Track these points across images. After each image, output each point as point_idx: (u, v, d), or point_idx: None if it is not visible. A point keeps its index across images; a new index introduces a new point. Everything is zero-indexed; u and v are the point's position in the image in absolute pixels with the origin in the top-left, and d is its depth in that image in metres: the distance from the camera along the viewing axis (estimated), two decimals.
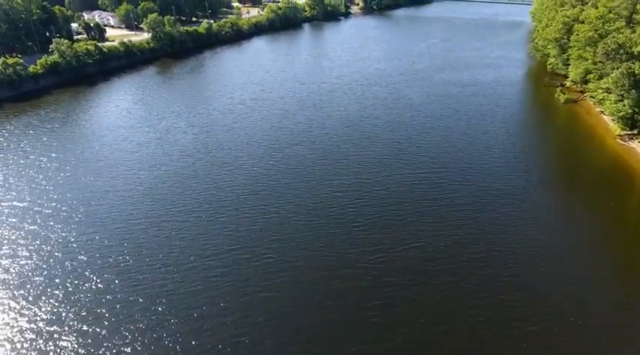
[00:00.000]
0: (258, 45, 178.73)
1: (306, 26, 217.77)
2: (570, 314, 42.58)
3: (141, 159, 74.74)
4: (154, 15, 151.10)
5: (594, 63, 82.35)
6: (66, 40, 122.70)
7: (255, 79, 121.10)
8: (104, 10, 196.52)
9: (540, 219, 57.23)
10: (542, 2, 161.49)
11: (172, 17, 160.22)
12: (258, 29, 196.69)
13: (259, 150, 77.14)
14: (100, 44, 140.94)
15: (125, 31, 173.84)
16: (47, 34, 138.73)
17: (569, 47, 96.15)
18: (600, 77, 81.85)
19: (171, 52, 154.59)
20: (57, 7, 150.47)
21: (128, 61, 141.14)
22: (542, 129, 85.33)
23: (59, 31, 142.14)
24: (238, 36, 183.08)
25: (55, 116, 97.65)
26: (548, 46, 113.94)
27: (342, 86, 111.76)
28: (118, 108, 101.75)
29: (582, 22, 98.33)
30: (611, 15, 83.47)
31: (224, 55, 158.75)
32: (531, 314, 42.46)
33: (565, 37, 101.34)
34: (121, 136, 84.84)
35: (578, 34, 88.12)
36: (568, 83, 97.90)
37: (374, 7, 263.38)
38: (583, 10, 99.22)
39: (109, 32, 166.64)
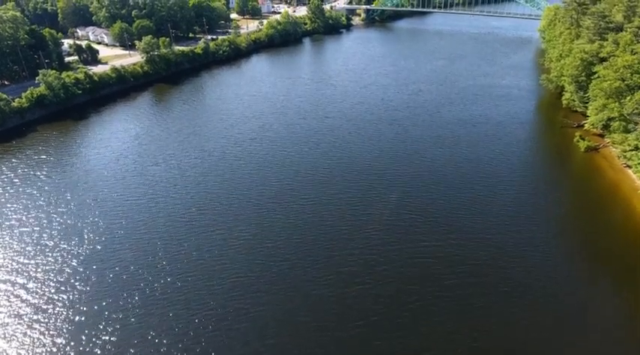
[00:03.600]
0: (258, 65, 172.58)
1: (307, 41, 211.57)
2: None
3: (125, 228, 67.98)
4: (149, 38, 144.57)
5: (620, 114, 76.07)
6: (53, 71, 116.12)
7: (254, 111, 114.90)
8: (99, 26, 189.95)
9: (561, 307, 51.47)
10: (551, 22, 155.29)
11: (167, 39, 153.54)
12: (257, 46, 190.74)
13: (254, 213, 70.55)
14: (91, 69, 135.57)
15: (119, 51, 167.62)
16: (37, 58, 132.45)
17: (589, 90, 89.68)
18: (626, 129, 75.66)
19: (166, 75, 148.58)
20: (47, 29, 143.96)
21: (120, 87, 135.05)
22: (561, 185, 78.22)
23: (49, 55, 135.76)
24: (236, 54, 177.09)
25: (41, 160, 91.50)
26: (563, 78, 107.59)
27: (345, 122, 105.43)
28: (109, 149, 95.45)
29: (602, 60, 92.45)
30: (636, 60, 77.02)
31: (221, 78, 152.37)
32: None
33: (583, 74, 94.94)
34: (109, 190, 78.60)
35: (601, 82, 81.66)
36: (587, 125, 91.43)
37: (376, 18, 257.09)
38: (602, 47, 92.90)
39: (102, 52, 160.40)
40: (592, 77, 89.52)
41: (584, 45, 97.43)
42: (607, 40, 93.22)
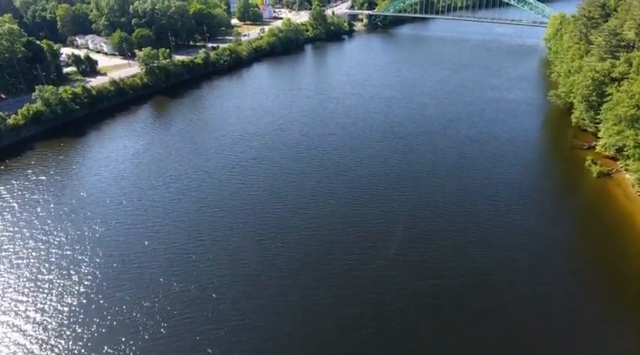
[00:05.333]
0: (259, 75, 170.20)
1: (309, 49, 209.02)
2: None
3: (124, 262, 65.32)
4: (148, 49, 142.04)
5: (636, 141, 73.38)
6: (50, 86, 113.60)
7: (256, 127, 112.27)
8: (98, 34, 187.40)
9: (573, 340, 50.06)
10: (557, 32, 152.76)
11: (167, 50, 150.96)
12: (258, 54, 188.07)
13: (255, 244, 67.96)
14: (89, 82, 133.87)
15: (118, 60, 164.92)
16: (34, 71, 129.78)
17: (602, 112, 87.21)
18: None
19: (166, 87, 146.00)
20: (44, 40, 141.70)
21: (119, 100, 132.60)
22: (572, 214, 75.28)
23: (47, 67, 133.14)
24: (237, 63, 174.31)
25: (38, 182, 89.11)
26: (572, 95, 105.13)
27: (349, 140, 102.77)
28: (107, 169, 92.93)
29: (614, 79, 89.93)
30: None
31: (222, 89, 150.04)
32: None
33: (594, 94, 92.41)
34: (107, 217, 76.01)
35: (614, 106, 79.09)
36: (598, 148, 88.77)
37: (378, 23, 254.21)
38: (614, 66, 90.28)
39: (102, 62, 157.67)
40: (604, 99, 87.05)
41: (595, 63, 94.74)
42: (619, 59, 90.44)
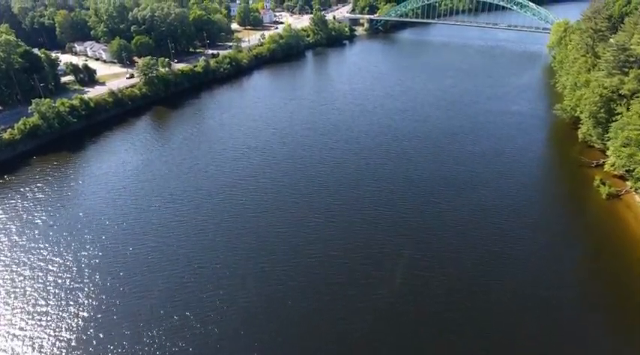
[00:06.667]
0: (259, 83, 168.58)
1: (310, 55, 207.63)
2: None
3: (125, 293, 63.32)
4: (147, 59, 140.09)
5: None
6: (47, 100, 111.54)
7: (256, 140, 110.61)
8: (97, 41, 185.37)
9: None
10: (561, 40, 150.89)
11: (166, 59, 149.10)
12: (258, 61, 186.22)
13: (256, 271, 66.21)
14: (87, 92, 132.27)
15: (117, 68, 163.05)
16: (31, 82, 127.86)
17: (611, 131, 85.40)
18: None
19: (165, 96, 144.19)
20: (43, 50, 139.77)
21: (118, 111, 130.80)
22: (580, 240, 72.49)
23: (44, 78, 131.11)
24: (238, 71, 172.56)
25: (35, 200, 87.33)
26: (578, 109, 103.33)
27: (352, 156, 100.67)
28: (107, 187, 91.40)
29: (622, 96, 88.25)
30: None
31: (222, 99, 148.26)
32: None
33: (602, 110, 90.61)
34: (107, 240, 74.20)
35: (623, 126, 77.26)
36: (607, 167, 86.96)
37: (379, 28, 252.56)
38: (623, 83, 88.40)
39: (100, 71, 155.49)
40: (613, 118, 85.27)
41: (603, 79, 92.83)
42: (628, 74, 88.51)
